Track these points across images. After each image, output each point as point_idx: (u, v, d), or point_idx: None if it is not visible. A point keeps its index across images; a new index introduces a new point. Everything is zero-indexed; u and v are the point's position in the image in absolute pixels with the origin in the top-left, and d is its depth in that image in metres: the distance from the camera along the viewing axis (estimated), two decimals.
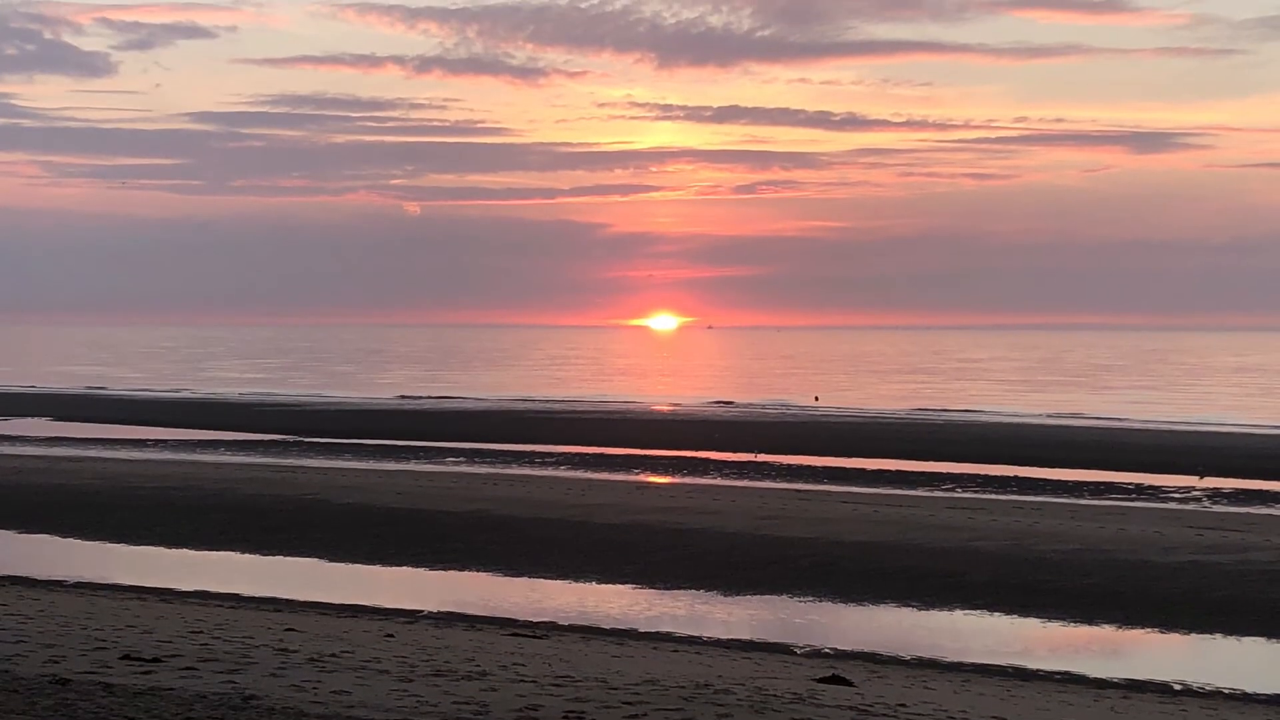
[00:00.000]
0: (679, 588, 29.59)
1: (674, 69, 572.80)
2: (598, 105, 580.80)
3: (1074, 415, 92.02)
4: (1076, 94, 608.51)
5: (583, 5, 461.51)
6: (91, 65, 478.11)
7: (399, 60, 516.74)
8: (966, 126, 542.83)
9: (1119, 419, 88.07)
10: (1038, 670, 22.69)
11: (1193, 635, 25.54)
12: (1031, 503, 43.69)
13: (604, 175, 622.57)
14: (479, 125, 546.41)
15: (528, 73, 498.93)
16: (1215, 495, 48.04)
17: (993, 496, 46.34)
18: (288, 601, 26.95)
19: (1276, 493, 48.87)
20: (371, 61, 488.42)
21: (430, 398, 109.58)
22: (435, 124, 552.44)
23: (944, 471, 55.37)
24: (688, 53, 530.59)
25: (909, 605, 27.92)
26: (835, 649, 24.00)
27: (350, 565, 32.43)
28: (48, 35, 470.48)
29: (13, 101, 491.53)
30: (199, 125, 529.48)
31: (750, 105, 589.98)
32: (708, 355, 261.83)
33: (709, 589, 29.45)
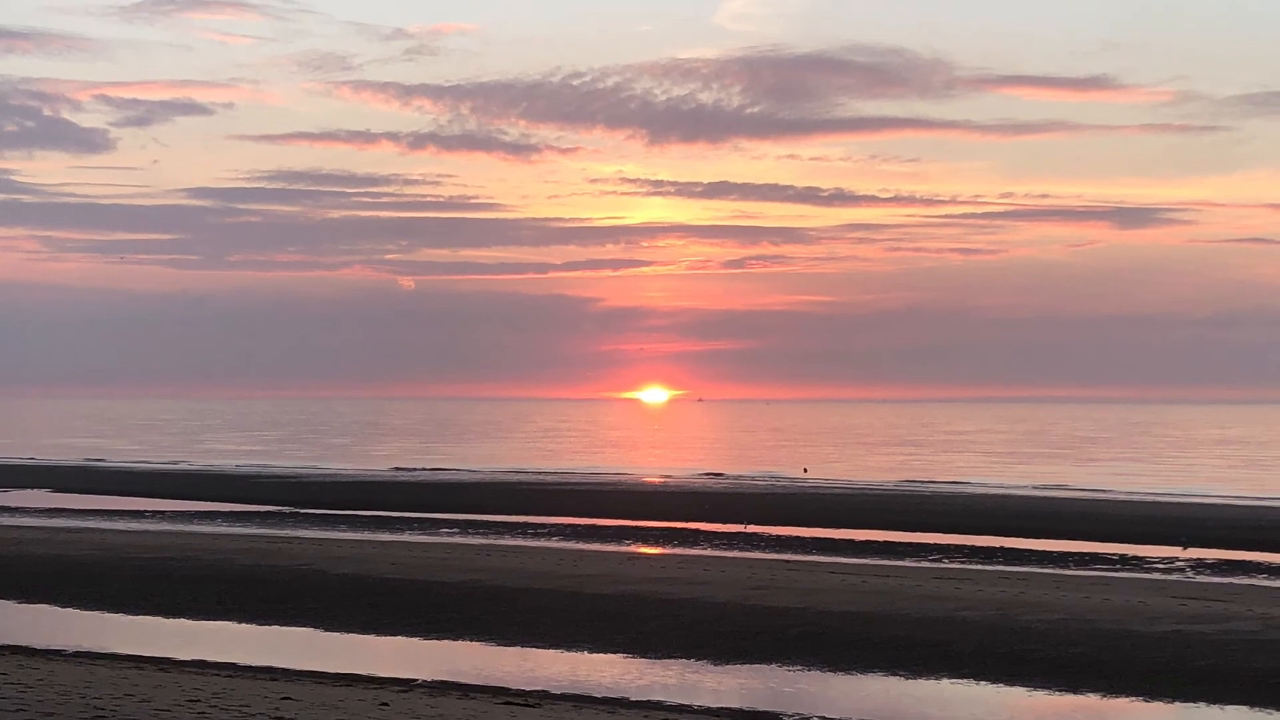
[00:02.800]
0: (670, 657, 29.91)
1: (665, 145, 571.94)
2: (589, 181, 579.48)
3: (1059, 487, 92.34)
4: (1062, 170, 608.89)
5: (575, 83, 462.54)
6: (90, 142, 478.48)
7: (393, 136, 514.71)
8: (953, 202, 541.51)
9: (1103, 490, 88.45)
10: None
11: (1177, 704, 25.79)
12: (1017, 573, 43.97)
13: (596, 250, 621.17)
14: (472, 201, 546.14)
15: (520, 149, 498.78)
16: (1198, 566, 48.43)
17: (979, 567, 46.67)
18: (284, 670, 27.21)
19: (1259, 563, 49.26)
20: (366, 138, 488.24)
21: (425, 470, 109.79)
22: (429, 199, 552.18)
23: (931, 542, 55.74)
24: (678, 129, 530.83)
25: (896, 674, 28.24)
26: (823, 717, 24.36)
27: (345, 635, 32.77)
28: (47, 112, 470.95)
29: (12, 178, 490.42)
30: (196, 201, 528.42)
31: (740, 181, 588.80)
32: (698, 427, 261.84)
33: (699, 658, 29.78)
